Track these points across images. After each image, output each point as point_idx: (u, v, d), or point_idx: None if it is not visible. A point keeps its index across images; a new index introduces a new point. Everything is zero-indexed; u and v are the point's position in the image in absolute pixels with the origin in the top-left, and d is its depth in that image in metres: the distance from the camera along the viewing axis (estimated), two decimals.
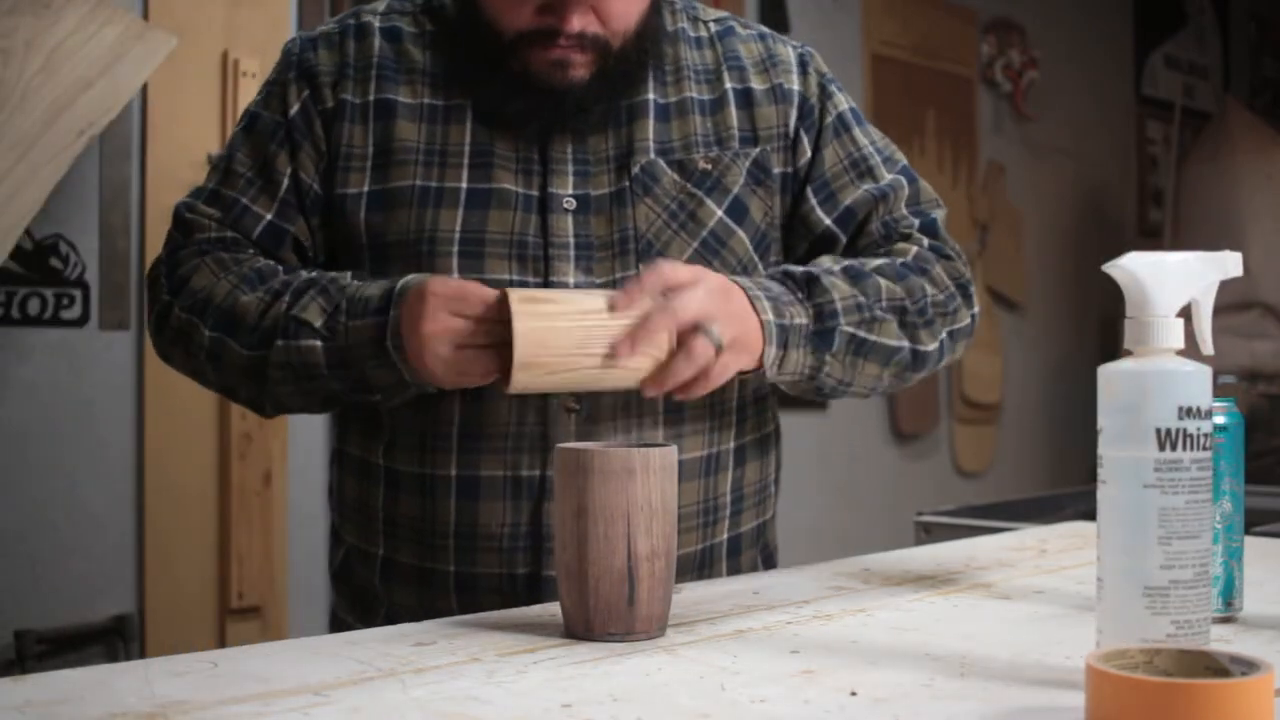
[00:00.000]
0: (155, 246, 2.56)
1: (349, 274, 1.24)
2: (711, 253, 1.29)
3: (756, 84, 1.34)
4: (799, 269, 1.27)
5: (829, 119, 1.36)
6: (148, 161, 2.56)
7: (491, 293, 1.14)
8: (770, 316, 1.19)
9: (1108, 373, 0.87)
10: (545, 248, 1.24)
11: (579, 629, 1.00)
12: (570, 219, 1.25)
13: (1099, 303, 4.74)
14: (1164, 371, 0.85)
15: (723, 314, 1.14)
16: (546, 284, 1.24)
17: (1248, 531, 1.14)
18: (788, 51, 1.37)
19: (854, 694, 0.84)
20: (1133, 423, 0.85)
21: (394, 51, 1.29)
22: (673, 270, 1.14)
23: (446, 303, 1.13)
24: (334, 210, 1.28)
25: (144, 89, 2.48)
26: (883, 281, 1.28)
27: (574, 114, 1.25)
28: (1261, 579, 1.24)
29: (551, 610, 1.10)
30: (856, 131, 1.38)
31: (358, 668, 0.90)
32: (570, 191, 1.26)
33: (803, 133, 1.35)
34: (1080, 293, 4.74)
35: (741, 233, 1.30)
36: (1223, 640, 0.97)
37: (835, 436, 3.85)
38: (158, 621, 2.55)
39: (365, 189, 1.26)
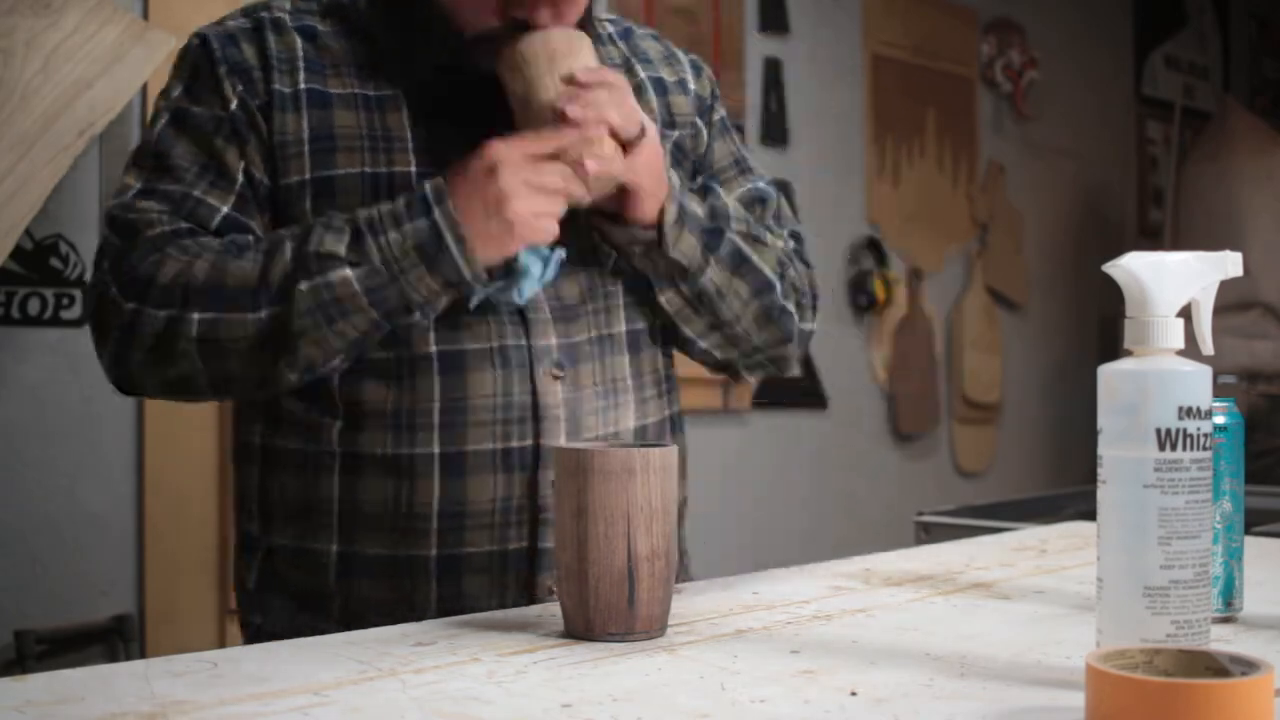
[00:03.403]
0: None
1: (327, 215, 1.20)
2: None
3: (666, 75, 1.43)
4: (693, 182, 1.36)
5: (717, 117, 1.46)
6: None
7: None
8: (676, 183, 1.28)
9: (1108, 373, 0.87)
10: None
11: (579, 629, 1.00)
12: None
13: (1099, 303, 4.75)
14: (1164, 371, 0.85)
15: (647, 144, 1.23)
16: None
17: (1248, 531, 1.15)
18: (682, 55, 1.47)
19: (854, 694, 0.84)
20: (1133, 423, 0.85)
21: (313, 47, 1.28)
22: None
23: (521, 143, 1.16)
24: (277, 203, 1.25)
25: (144, 89, 2.48)
26: (766, 234, 1.38)
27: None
28: (1261, 579, 1.24)
29: (551, 610, 1.10)
30: (735, 135, 1.49)
31: (358, 668, 0.90)
32: None
33: (701, 126, 1.43)
34: (1080, 293, 4.74)
35: None
36: (1223, 640, 0.97)
37: (835, 437, 3.85)
38: (158, 621, 2.55)
39: (307, 176, 1.24)
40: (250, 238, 1.22)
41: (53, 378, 2.46)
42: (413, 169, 1.24)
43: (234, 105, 1.25)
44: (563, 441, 1.23)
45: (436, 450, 1.22)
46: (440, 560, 1.23)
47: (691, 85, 1.44)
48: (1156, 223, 5.07)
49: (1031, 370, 4.60)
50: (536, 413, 1.24)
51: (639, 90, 1.38)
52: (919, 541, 2.46)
